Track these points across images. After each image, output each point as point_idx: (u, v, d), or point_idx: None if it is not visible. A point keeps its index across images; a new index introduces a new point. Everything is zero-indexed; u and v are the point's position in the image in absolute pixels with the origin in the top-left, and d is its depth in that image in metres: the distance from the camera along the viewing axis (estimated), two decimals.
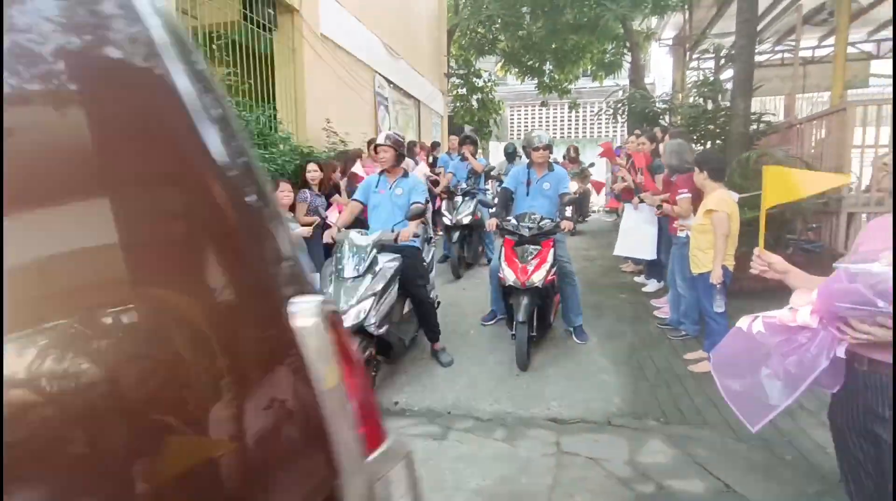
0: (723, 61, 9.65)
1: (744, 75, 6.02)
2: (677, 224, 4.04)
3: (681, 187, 3.93)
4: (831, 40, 8.81)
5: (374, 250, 3.24)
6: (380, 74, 8.75)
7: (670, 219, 4.29)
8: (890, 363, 1.31)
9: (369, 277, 3.12)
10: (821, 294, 1.33)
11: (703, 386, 3.20)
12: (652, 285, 5.25)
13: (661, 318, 4.40)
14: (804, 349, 1.38)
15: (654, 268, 5.26)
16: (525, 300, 3.54)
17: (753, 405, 1.47)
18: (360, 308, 2.97)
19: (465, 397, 3.28)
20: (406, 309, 3.63)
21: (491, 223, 4.02)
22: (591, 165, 10.26)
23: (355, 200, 3.67)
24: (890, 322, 1.24)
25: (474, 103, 14.77)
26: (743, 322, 1.58)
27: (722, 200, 3.31)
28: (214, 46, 5.05)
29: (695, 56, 10.47)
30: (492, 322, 4.39)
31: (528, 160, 4.10)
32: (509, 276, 3.61)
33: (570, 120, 17.28)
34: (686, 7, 9.80)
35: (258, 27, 5.65)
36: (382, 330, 3.08)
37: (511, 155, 8.80)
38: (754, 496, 2.20)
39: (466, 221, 5.88)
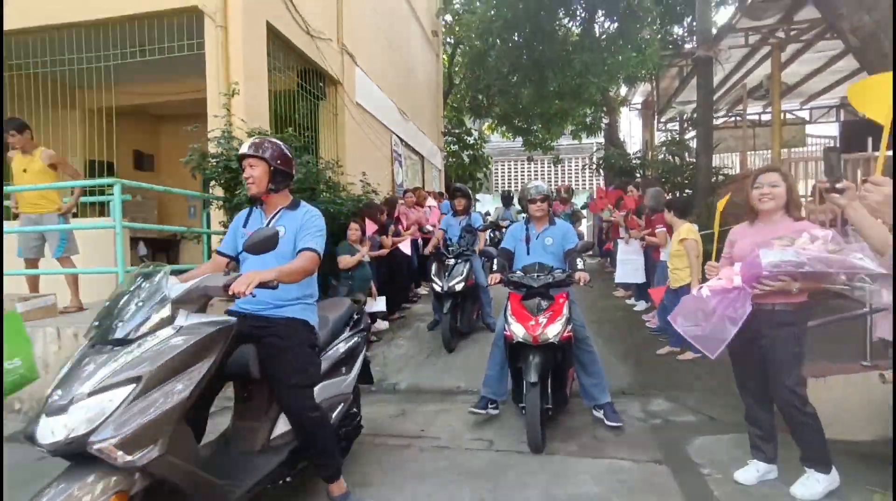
0: (687, 125, 11.30)
1: (705, 137, 7.47)
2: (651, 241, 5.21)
3: (658, 223, 5.14)
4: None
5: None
6: (395, 134, 10.03)
7: (654, 249, 5.46)
8: (770, 301, 2.35)
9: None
10: (745, 266, 2.39)
11: (689, 368, 4.24)
12: (641, 305, 6.34)
13: (651, 327, 5.48)
14: (737, 301, 2.35)
15: (642, 290, 6.38)
16: (537, 359, 2.97)
17: (710, 341, 2.38)
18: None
19: None
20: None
21: (493, 278, 3.34)
22: (584, 206, 11.12)
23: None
24: (780, 282, 2.28)
25: (465, 159, 16.30)
26: (694, 291, 2.59)
27: (689, 229, 4.49)
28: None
29: (662, 120, 12.16)
30: (482, 412, 3.37)
31: (525, 215, 3.66)
32: (518, 331, 3.04)
33: (553, 173, 18.91)
34: (653, 78, 11.51)
35: (310, 95, 6.87)
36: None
37: (507, 200, 9.90)
38: (729, 420, 3.21)
39: (459, 288, 5.02)
